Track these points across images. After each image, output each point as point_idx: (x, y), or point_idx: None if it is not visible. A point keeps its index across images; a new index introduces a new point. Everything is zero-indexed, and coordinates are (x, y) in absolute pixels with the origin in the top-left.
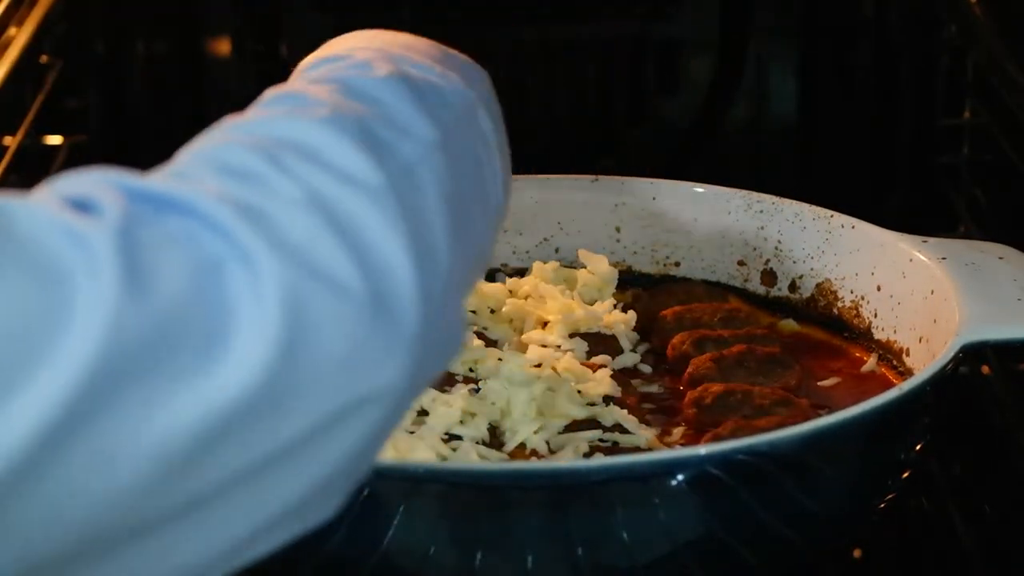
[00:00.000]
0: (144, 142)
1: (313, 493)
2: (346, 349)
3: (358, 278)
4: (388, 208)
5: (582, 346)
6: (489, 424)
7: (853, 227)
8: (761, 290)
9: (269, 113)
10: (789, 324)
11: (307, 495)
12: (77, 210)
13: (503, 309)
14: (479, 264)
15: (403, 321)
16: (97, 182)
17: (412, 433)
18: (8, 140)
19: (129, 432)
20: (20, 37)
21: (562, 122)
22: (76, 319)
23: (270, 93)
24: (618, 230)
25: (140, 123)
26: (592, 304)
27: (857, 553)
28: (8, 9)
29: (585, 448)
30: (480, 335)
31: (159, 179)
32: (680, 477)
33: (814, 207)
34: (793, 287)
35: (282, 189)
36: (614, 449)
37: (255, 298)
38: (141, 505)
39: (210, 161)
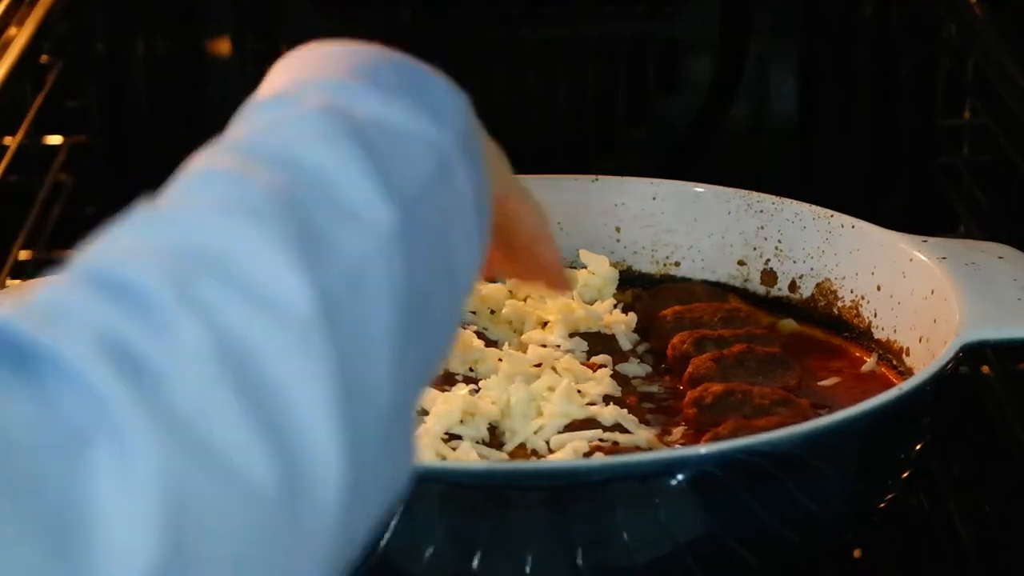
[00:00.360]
0: (144, 142)
1: None
2: (246, 551)
3: (264, 461)
4: (314, 348)
5: (582, 346)
6: (489, 424)
7: (853, 227)
8: (761, 290)
9: (193, 200)
10: (789, 324)
11: None
12: None
13: (503, 310)
14: (441, 354)
15: (322, 511)
16: None
17: None
18: (8, 140)
19: None
20: (20, 37)
21: (562, 122)
22: None
23: (204, 159)
24: (618, 230)
25: (140, 123)
26: (592, 304)
27: (857, 553)
28: (8, 9)
29: (585, 448)
30: (480, 335)
31: (25, 313)
32: (680, 477)
33: (814, 207)
34: (793, 287)
35: (182, 331)
36: (614, 449)
37: (125, 492)
38: None
39: (101, 283)
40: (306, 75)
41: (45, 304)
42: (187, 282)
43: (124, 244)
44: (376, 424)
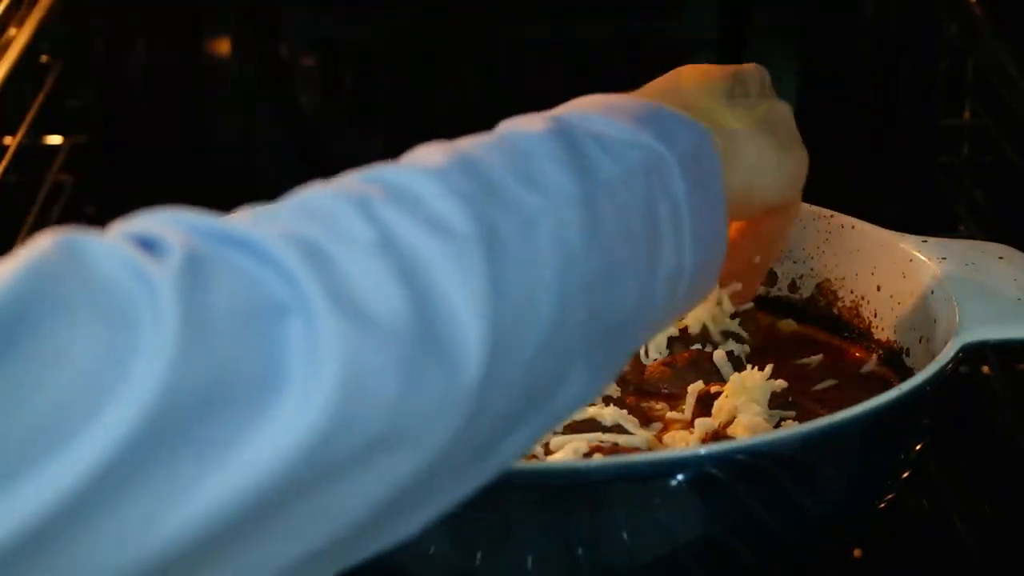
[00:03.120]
0: (144, 142)
1: (363, 522)
2: (397, 398)
3: (417, 325)
4: (470, 258)
5: None
6: None
7: (853, 227)
8: (761, 290)
9: (393, 164)
10: (789, 324)
11: (356, 525)
12: (145, 249)
13: None
14: (625, 334)
15: (462, 372)
16: (165, 221)
17: None
18: (8, 140)
19: (170, 497)
20: (20, 37)
21: None
22: (138, 367)
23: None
24: None
25: (140, 123)
26: None
27: (857, 553)
28: (8, 9)
29: (585, 449)
30: None
31: (230, 218)
32: (680, 477)
33: (814, 207)
34: (793, 287)
35: (356, 232)
36: (613, 450)
37: (311, 357)
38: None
39: (296, 203)
40: (555, 109)
41: (250, 215)
42: (367, 201)
43: (322, 183)
44: (525, 347)
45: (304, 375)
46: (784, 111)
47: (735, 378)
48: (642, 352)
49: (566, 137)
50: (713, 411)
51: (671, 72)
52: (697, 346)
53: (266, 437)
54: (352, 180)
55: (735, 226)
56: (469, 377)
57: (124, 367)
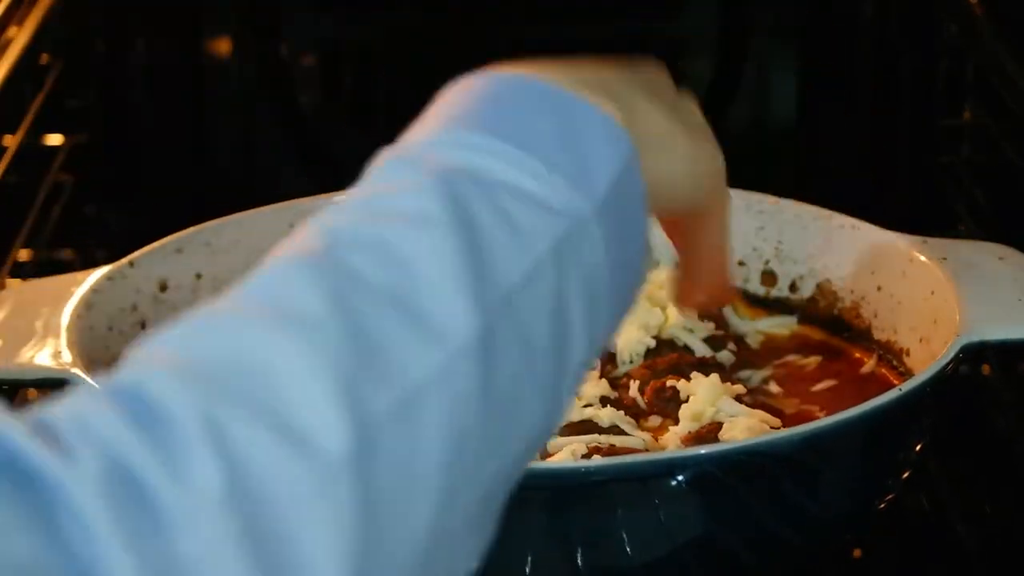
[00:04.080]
0: (144, 142)
1: None
2: None
3: None
4: (339, 492)
5: None
6: None
7: (853, 227)
8: (761, 290)
9: (252, 300)
10: (789, 324)
11: None
12: None
13: None
14: (520, 468)
15: None
16: None
17: None
18: (8, 140)
19: None
20: (20, 37)
21: None
22: None
23: (300, 232)
24: None
25: (140, 123)
26: None
27: (857, 553)
28: (8, 9)
29: (583, 450)
30: None
31: (45, 427)
32: (680, 477)
33: (814, 207)
34: (793, 287)
35: (199, 473)
36: (612, 451)
37: None
38: None
39: (131, 396)
40: (443, 119)
41: (66, 418)
42: (214, 409)
43: (165, 353)
44: (401, 562)
45: None
46: (692, 104)
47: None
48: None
49: (462, 221)
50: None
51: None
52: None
53: None
54: (206, 346)
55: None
56: None
57: None
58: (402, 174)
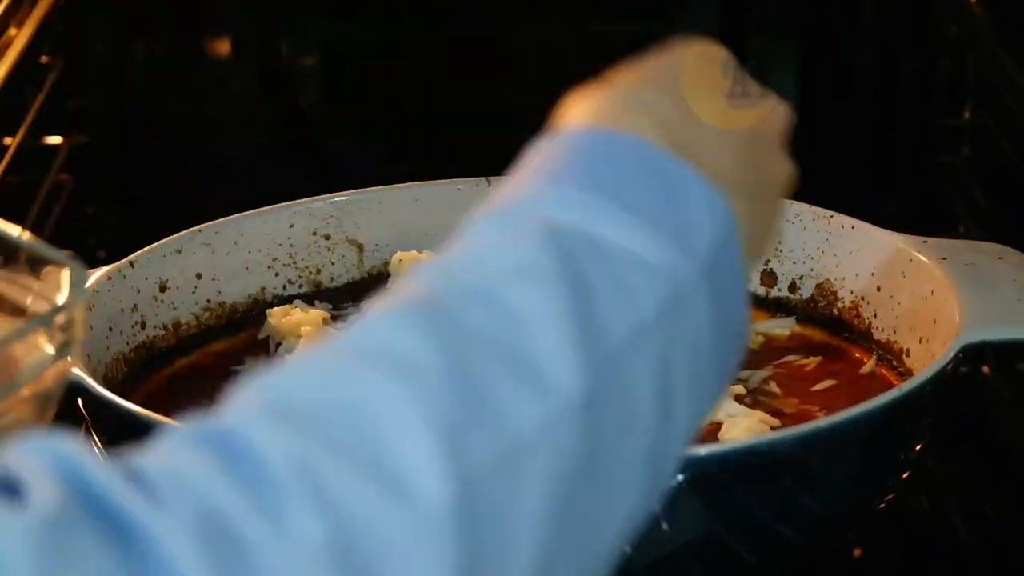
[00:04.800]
0: (144, 142)
1: None
2: None
3: None
4: (440, 542)
5: None
6: None
7: (853, 227)
8: (761, 291)
9: (356, 344)
10: (789, 324)
11: None
12: (3, 487)
13: None
14: (627, 527)
15: None
16: (39, 461)
17: None
18: (8, 140)
19: None
20: (20, 37)
21: None
22: None
23: (403, 284)
24: None
25: (140, 123)
26: None
27: (857, 553)
28: (8, 9)
29: None
30: None
31: (135, 475)
32: (680, 477)
33: (814, 207)
34: (793, 287)
35: (295, 517)
36: None
37: None
38: None
39: (225, 444)
40: (543, 175)
41: (156, 467)
42: (312, 456)
43: (260, 399)
44: None
45: None
46: (783, 168)
47: None
48: None
49: (572, 277)
50: None
51: (672, 54)
52: None
53: None
54: (307, 392)
55: None
56: None
57: None
58: (507, 229)
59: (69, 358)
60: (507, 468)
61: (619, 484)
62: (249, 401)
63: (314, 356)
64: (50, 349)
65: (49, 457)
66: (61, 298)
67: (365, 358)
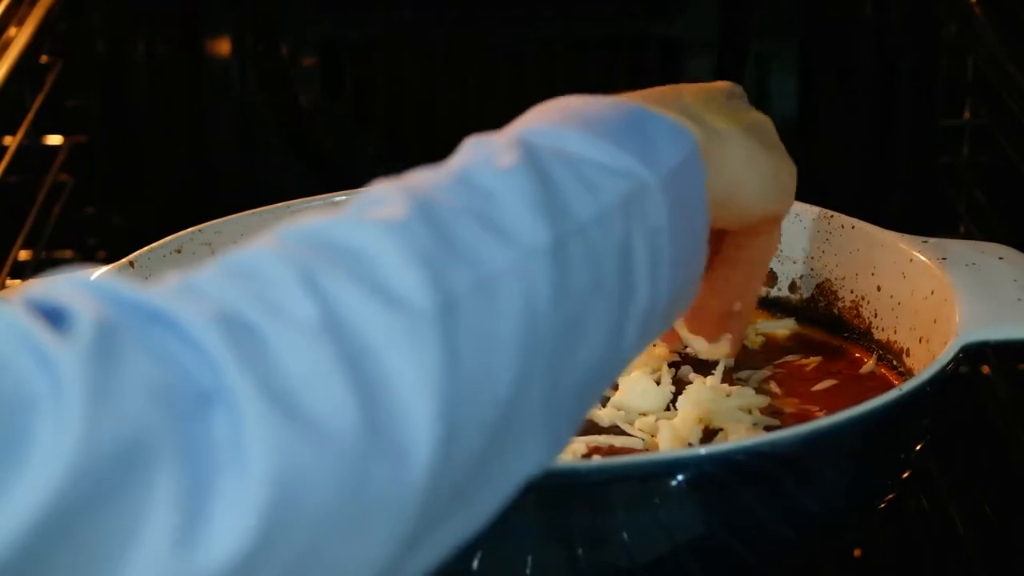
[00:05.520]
0: (144, 142)
1: None
2: (336, 503)
3: (357, 425)
4: (425, 336)
5: None
6: None
7: (853, 227)
8: (761, 290)
9: (344, 212)
10: (789, 324)
11: None
12: (49, 320)
13: None
14: (590, 392)
15: (410, 470)
16: (77, 287)
17: None
18: (8, 140)
19: None
20: (20, 37)
21: None
22: (36, 452)
23: (380, 186)
24: None
25: (140, 123)
26: None
27: (857, 553)
28: (8, 9)
29: (583, 450)
30: None
31: (155, 289)
32: (680, 477)
33: (814, 207)
34: (793, 287)
35: (297, 309)
36: (611, 451)
37: (236, 458)
38: None
39: (233, 265)
40: (523, 122)
41: (178, 285)
42: (310, 268)
43: (269, 240)
44: (480, 426)
45: (229, 477)
46: (768, 123)
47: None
48: None
49: (537, 169)
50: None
51: (669, 86)
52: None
53: (199, 544)
54: (301, 235)
55: (713, 260)
56: (417, 474)
57: (16, 455)
58: (483, 148)
59: None
60: (481, 295)
61: (583, 334)
62: (259, 243)
63: (316, 216)
64: None
65: (86, 284)
66: None
67: (356, 214)
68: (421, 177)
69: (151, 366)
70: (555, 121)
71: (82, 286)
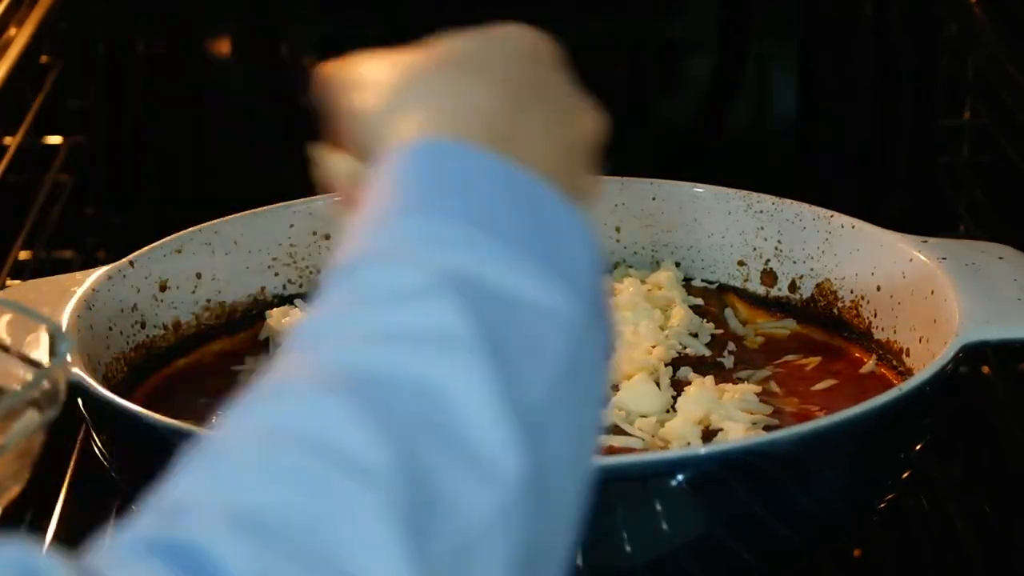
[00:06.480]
0: (144, 142)
1: None
2: None
3: None
4: None
5: None
6: None
7: (853, 227)
8: (761, 290)
9: (284, 447)
10: (789, 324)
11: None
12: None
13: None
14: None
15: None
16: None
17: None
18: (8, 140)
19: None
20: (20, 37)
21: None
22: None
23: (294, 363)
24: (618, 230)
25: (140, 123)
26: None
27: (857, 553)
28: (8, 9)
29: None
30: None
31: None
32: (680, 477)
33: (814, 207)
34: (793, 287)
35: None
36: (611, 450)
37: None
38: None
39: (180, 551)
40: (405, 206)
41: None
42: (271, 564)
43: (213, 499)
44: None
45: None
46: (590, 125)
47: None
48: None
49: (487, 342)
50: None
51: (493, 35)
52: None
53: None
54: (256, 500)
55: None
56: None
57: None
58: (400, 277)
59: (53, 411)
60: (464, 556)
61: (565, 517)
62: (200, 503)
63: (260, 443)
64: (35, 413)
65: (3, 561)
66: (45, 361)
67: (316, 454)
68: (364, 378)
69: None
70: (446, 211)
71: (3, 563)
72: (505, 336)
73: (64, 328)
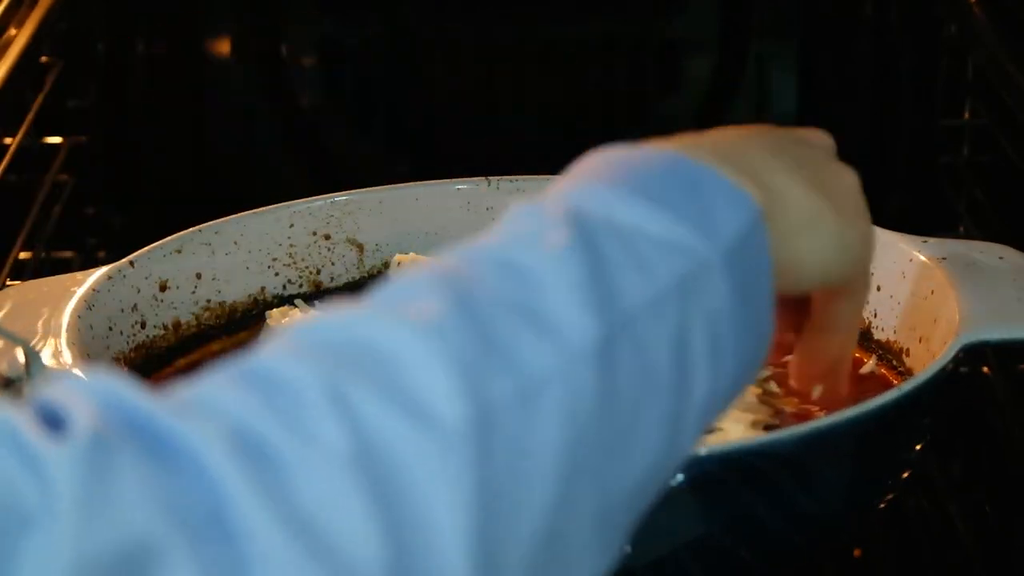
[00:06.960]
0: (144, 142)
1: None
2: None
3: (387, 555)
4: (458, 459)
5: None
6: None
7: None
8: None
9: (378, 305)
10: None
11: None
12: (47, 424)
13: None
14: (642, 495)
15: None
16: (84, 392)
17: None
18: (8, 140)
19: None
20: (20, 37)
21: (562, 122)
22: (25, 562)
23: (431, 261)
24: None
25: (140, 123)
26: None
27: (857, 553)
28: (8, 9)
29: None
30: None
31: (171, 404)
32: (680, 477)
33: None
34: None
35: (321, 428)
36: None
37: None
38: None
39: (250, 377)
40: (575, 180)
41: (192, 396)
42: (336, 380)
43: (290, 341)
44: (519, 549)
45: None
46: (849, 179)
47: None
48: None
49: (589, 250)
50: None
51: (735, 129)
52: None
53: None
54: (324, 335)
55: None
56: None
57: (6, 561)
58: (533, 217)
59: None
60: (521, 404)
61: (635, 439)
62: (278, 344)
63: (341, 309)
64: None
65: (89, 387)
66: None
67: (387, 310)
68: (460, 259)
69: (155, 478)
70: (604, 182)
71: (87, 391)
72: (609, 249)
73: (64, 328)
